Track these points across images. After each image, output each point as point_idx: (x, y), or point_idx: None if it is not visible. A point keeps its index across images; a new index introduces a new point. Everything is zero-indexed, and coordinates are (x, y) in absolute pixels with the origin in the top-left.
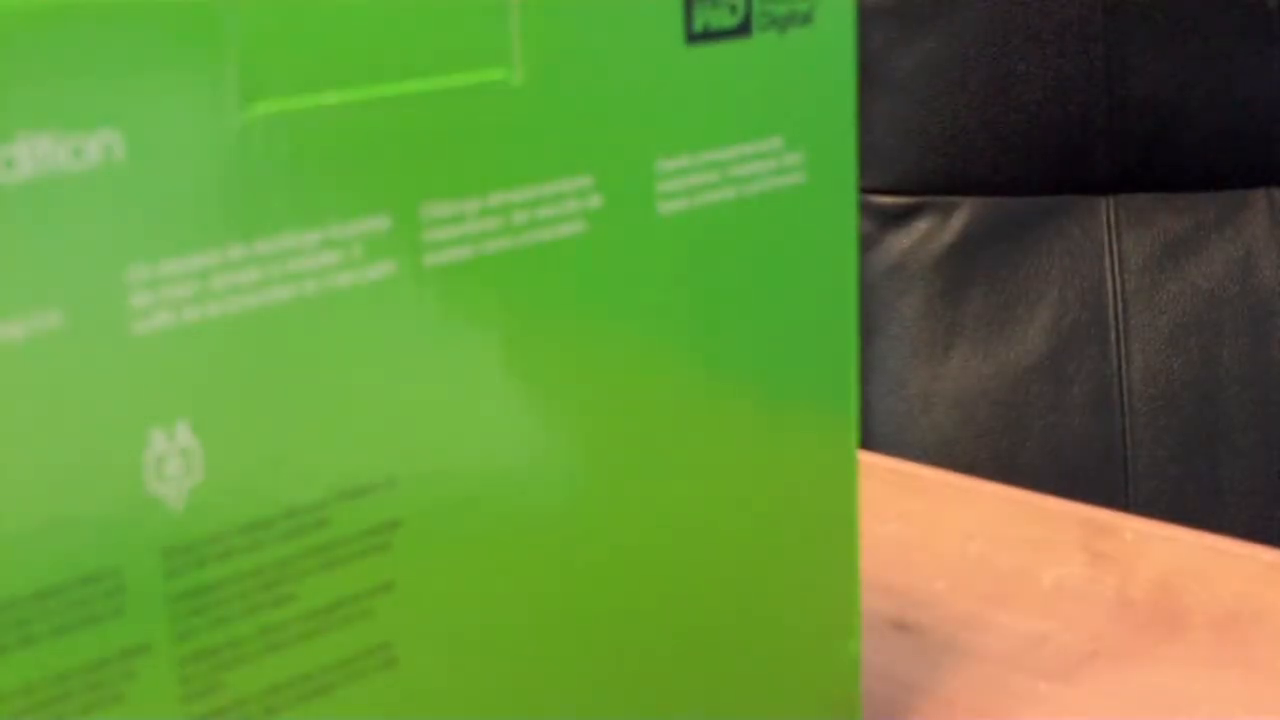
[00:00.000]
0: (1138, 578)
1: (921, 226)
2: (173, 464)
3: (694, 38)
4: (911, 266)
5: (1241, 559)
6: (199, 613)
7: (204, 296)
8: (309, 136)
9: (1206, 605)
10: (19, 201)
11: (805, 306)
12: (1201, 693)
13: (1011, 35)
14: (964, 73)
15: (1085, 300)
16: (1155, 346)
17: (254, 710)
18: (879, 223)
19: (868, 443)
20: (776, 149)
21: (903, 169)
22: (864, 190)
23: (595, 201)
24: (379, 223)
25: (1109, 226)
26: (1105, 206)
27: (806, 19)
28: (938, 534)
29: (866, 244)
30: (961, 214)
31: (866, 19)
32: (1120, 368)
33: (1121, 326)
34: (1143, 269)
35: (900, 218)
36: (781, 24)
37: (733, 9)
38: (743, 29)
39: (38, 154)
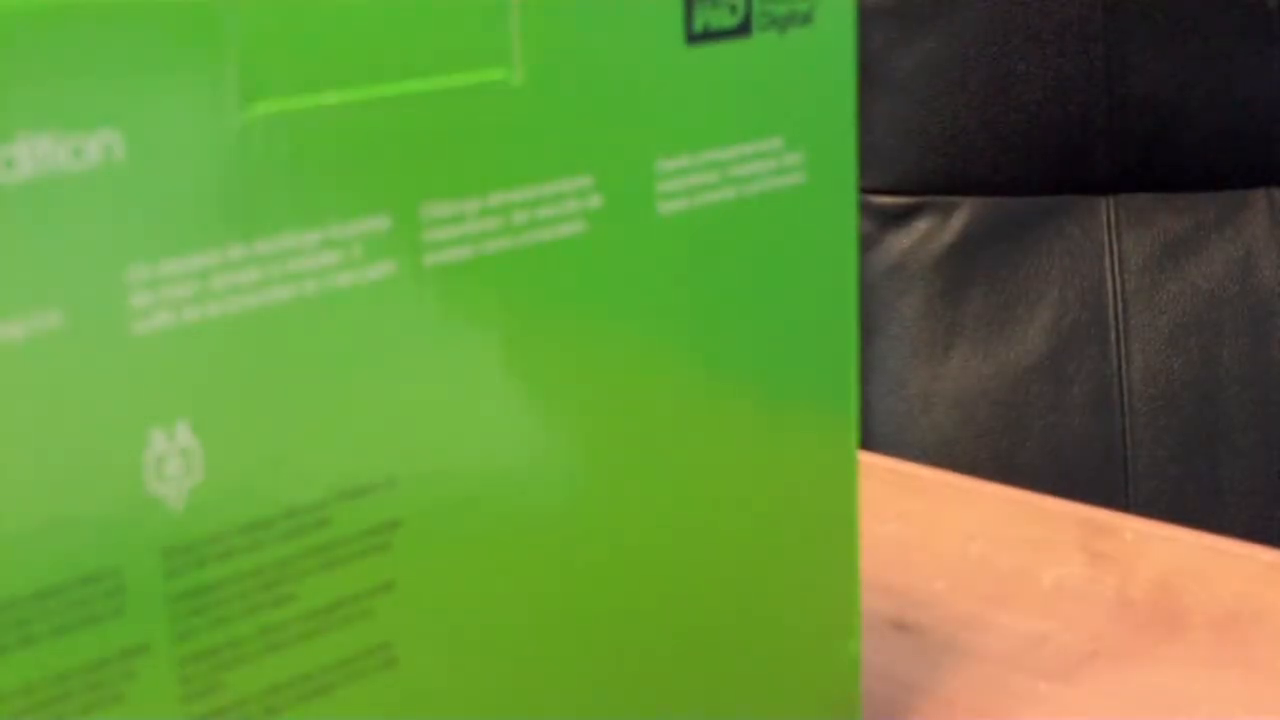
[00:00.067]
0: (1138, 578)
1: (921, 226)
2: (173, 464)
3: (694, 38)
4: (911, 266)
5: (1241, 559)
6: (199, 613)
7: (204, 296)
8: (309, 136)
9: (1206, 605)
10: (19, 201)
11: (805, 306)
12: (1201, 693)
13: (1011, 35)
14: (964, 73)
15: (1085, 300)
16: (1155, 346)
17: (254, 710)
18: (879, 223)
19: (868, 443)
20: (776, 149)
21: (903, 169)
22: (864, 190)
23: (595, 201)
24: (379, 223)
25: (1109, 226)
26: (1105, 206)
27: (806, 19)
28: (938, 534)
29: (866, 244)
30: (961, 214)
31: (866, 19)
32: (1120, 368)
33: (1121, 326)
34: (1143, 269)
35: (900, 218)
36: (781, 24)
37: (733, 9)
38: (743, 29)
39: (38, 154)
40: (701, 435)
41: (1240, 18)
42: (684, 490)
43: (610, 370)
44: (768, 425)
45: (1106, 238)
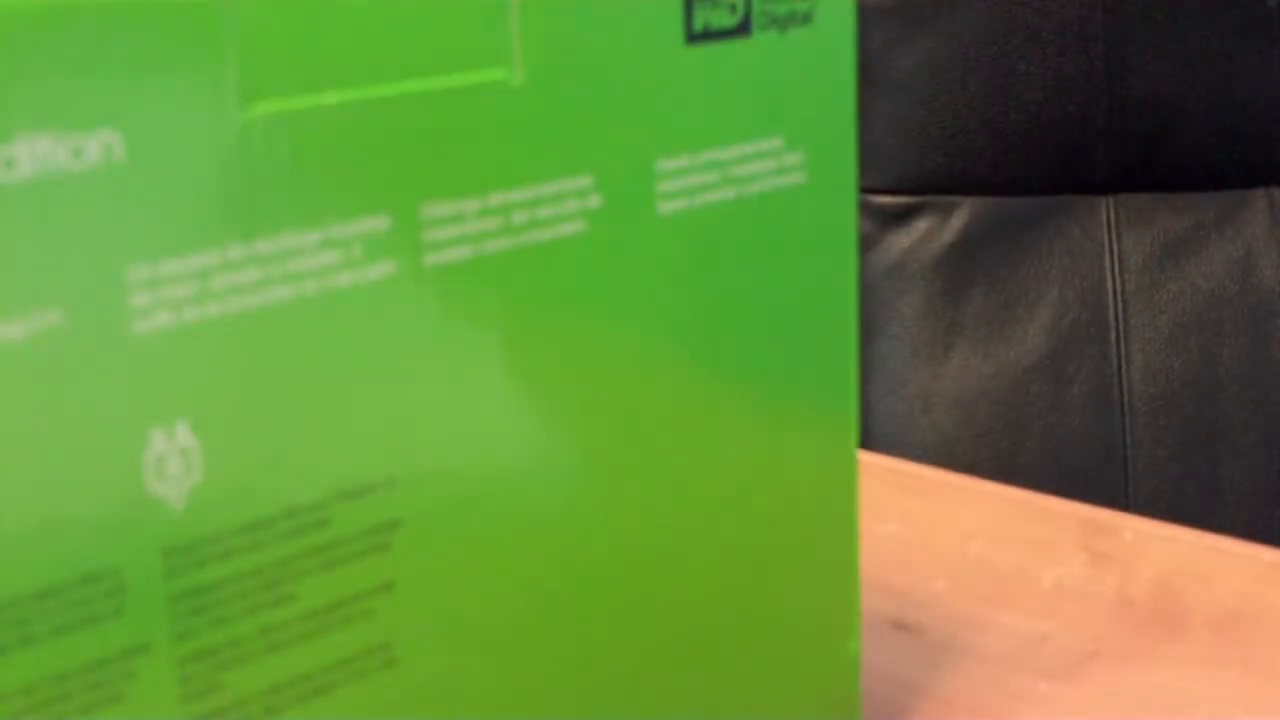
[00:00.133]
0: (1138, 578)
1: (921, 226)
2: (173, 464)
3: (694, 38)
4: (911, 266)
5: (1241, 559)
6: (199, 613)
7: (204, 296)
8: (309, 136)
9: (1206, 605)
10: (19, 201)
11: (805, 306)
12: (1201, 693)
13: (1011, 35)
14: (964, 73)
15: (1085, 300)
16: (1155, 346)
17: (254, 710)
18: (879, 223)
19: (868, 443)
20: (776, 149)
21: (903, 169)
22: (864, 190)
23: (595, 201)
24: (379, 223)
25: (1109, 226)
26: (1105, 206)
27: (806, 19)
28: (938, 534)
29: (866, 244)
30: (961, 214)
31: (866, 19)
32: (1120, 368)
33: (1121, 326)
34: (1143, 269)
35: (900, 218)
36: (781, 24)
37: (733, 9)
38: (743, 29)
39: (38, 154)
40: (701, 435)
41: (1240, 18)
42: (684, 490)
43: (610, 370)
44: (768, 425)
45: (1106, 238)
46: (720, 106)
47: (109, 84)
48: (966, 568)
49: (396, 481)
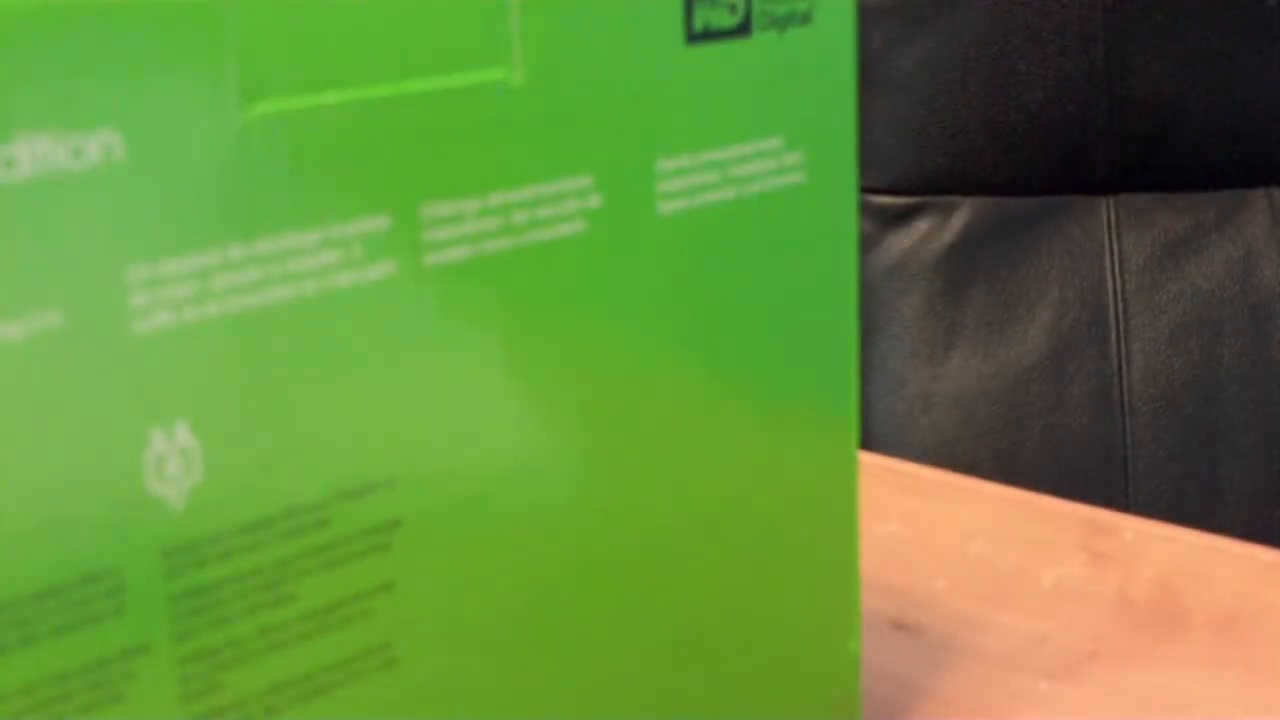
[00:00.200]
0: (1138, 578)
1: (921, 226)
2: (173, 464)
3: (694, 38)
4: (911, 266)
5: (1241, 559)
6: (199, 613)
7: (204, 296)
8: (309, 136)
9: (1206, 605)
10: (19, 201)
11: (805, 306)
12: (1201, 693)
13: (1011, 35)
14: (964, 73)
15: (1085, 300)
16: (1155, 346)
17: (254, 710)
18: (879, 223)
19: (868, 443)
20: (776, 149)
21: (903, 169)
22: (864, 190)
23: (595, 201)
24: (379, 223)
25: (1109, 226)
26: (1105, 206)
27: (806, 19)
28: (938, 534)
29: (866, 244)
30: (961, 214)
31: (866, 19)
32: (1120, 368)
33: (1121, 326)
34: (1143, 269)
35: (900, 218)
36: (781, 24)
37: (733, 9)
38: (743, 29)
39: (38, 154)
40: (701, 435)
41: (1240, 18)
42: (684, 490)
43: (610, 370)
44: (768, 425)
45: (1106, 238)
46: (720, 106)
47: (109, 84)
48: (966, 568)
49: (396, 481)
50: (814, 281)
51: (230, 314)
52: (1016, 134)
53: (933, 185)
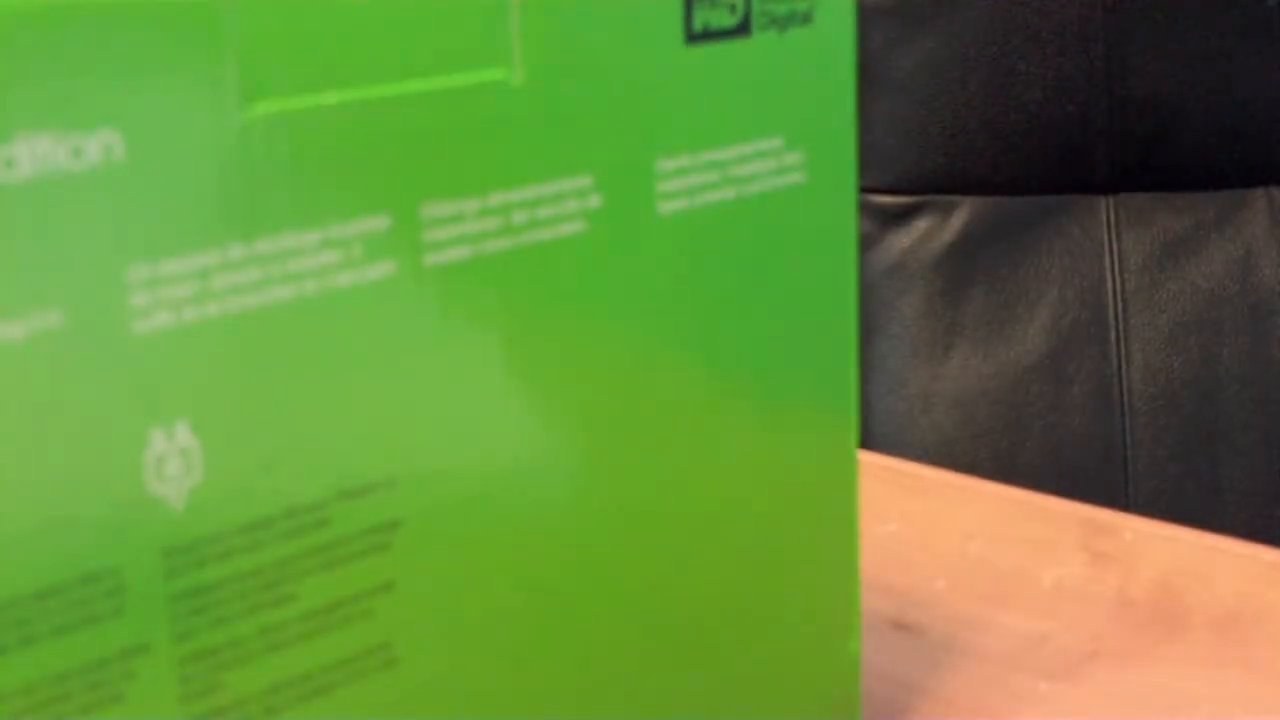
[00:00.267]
0: (1138, 578)
1: (921, 226)
2: (173, 464)
3: (694, 38)
4: (911, 266)
5: (1241, 559)
6: (199, 613)
7: (204, 296)
8: (309, 136)
9: (1206, 605)
10: (19, 201)
11: (805, 306)
12: (1201, 693)
13: (1011, 35)
14: (964, 73)
15: (1085, 300)
16: (1155, 346)
17: (254, 710)
18: (879, 223)
19: (868, 443)
20: (776, 149)
21: (903, 169)
22: (864, 190)
23: (595, 201)
24: (379, 223)
25: (1109, 226)
26: (1105, 206)
27: (806, 19)
28: (938, 534)
29: (866, 244)
30: (961, 214)
31: (866, 19)
32: (1120, 367)
33: (1121, 326)
34: (1143, 268)
35: (900, 218)
36: (781, 24)
37: (733, 9)
38: (742, 29)
39: (38, 154)
40: (701, 435)
41: (1240, 18)
42: (683, 490)
43: (610, 370)
44: (768, 425)
45: (1106, 237)
46: (720, 106)
47: (109, 84)
48: (966, 568)
49: (396, 481)
50: (814, 281)
51: (230, 314)
52: (1016, 134)
53: (933, 185)
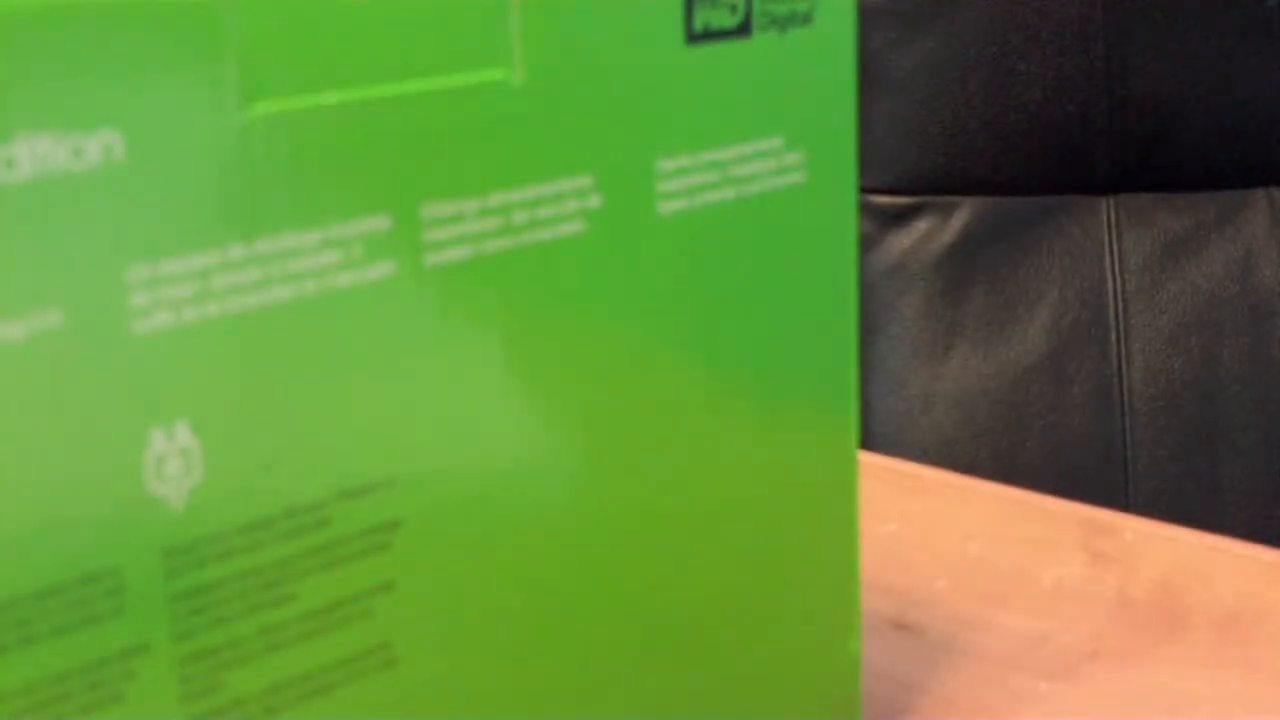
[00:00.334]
0: (1138, 578)
1: (921, 226)
2: (173, 464)
3: (694, 38)
4: (911, 266)
5: (1242, 559)
6: (199, 613)
7: (204, 296)
8: (309, 136)
9: (1207, 605)
10: (19, 201)
11: (805, 306)
12: (1201, 693)
13: (1011, 35)
14: (964, 73)
15: (1085, 300)
16: (1155, 346)
17: (254, 710)
18: (879, 223)
19: (868, 443)
20: (776, 149)
21: (903, 169)
22: (864, 190)
23: (595, 201)
24: (379, 223)
25: (1109, 226)
26: (1105, 206)
27: (806, 19)
28: (938, 534)
29: (866, 244)
30: (961, 214)
31: (866, 19)
32: (1120, 368)
33: (1121, 326)
34: (1143, 269)
35: (900, 218)
36: (781, 24)
37: (733, 9)
38: (743, 29)
39: (38, 154)
40: (701, 435)
41: (1240, 18)
42: (683, 490)
43: (610, 370)
44: (768, 425)
45: (1106, 237)
46: (720, 106)
47: (109, 84)
48: (966, 568)
49: (396, 481)
50: (814, 281)
51: (230, 314)
52: (1016, 134)
53: (933, 185)
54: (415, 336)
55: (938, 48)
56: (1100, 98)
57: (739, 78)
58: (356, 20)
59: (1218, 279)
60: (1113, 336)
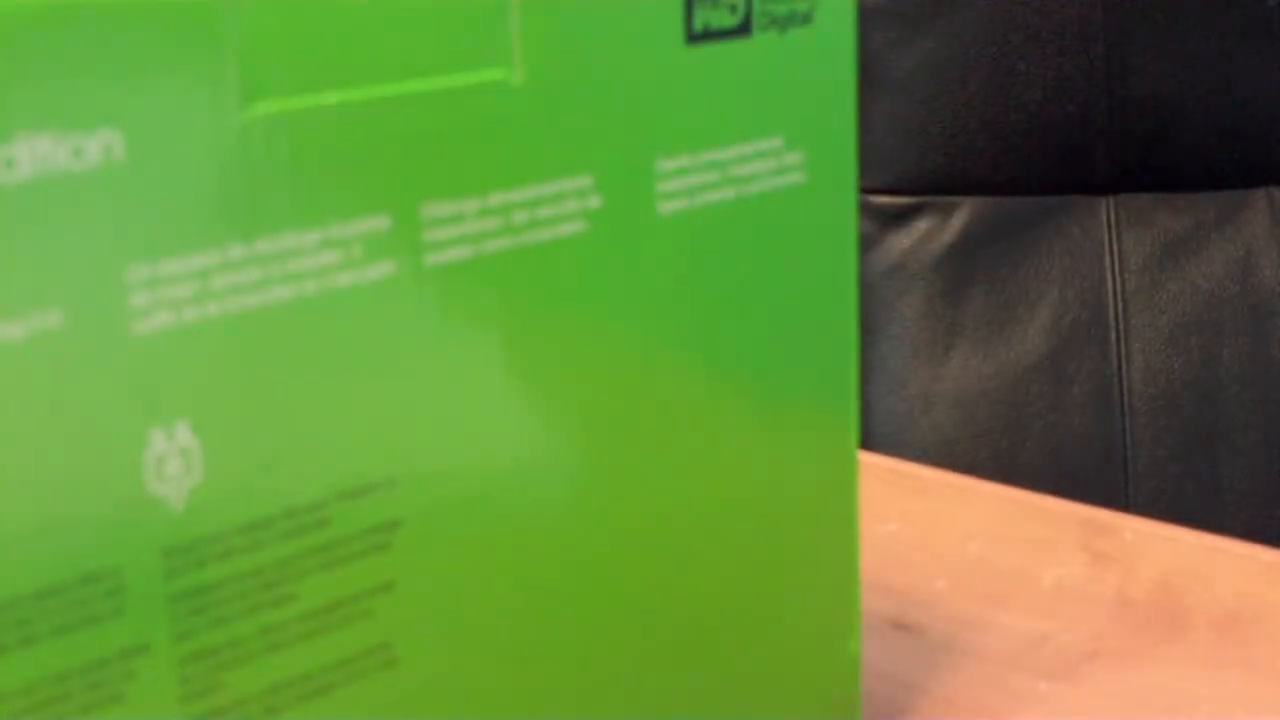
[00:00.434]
0: (1138, 578)
1: (921, 226)
2: (173, 464)
3: (694, 38)
4: (911, 266)
5: (1242, 559)
6: (199, 613)
7: (204, 296)
8: (309, 136)
9: (1207, 605)
10: (19, 201)
11: (805, 306)
12: (1201, 693)
13: (1011, 35)
14: (964, 73)
15: (1085, 300)
16: (1155, 346)
17: (254, 710)
18: (879, 223)
19: (868, 443)
20: (776, 149)
21: (903, 169)
22: (864, 190)
23: (595, 201)
24: (379, 223)
25: (1109, 226)
26: (1105, 206)
27: (806, 19)
28: (938, 534)
29: (866, 244)
30: (961, 214)
31: (866, 19)
32: (1120, 368)
33: (1121, 326)
34: (1143, 269)
35: (900, 218)
36: (781, 24)
37: (733, 9)
38: (743, 29)
39: (38, 154)
40: (701, 435)
41: (1240, 18)
42: (684, 490)
43: (610, 370)
44: (768, 425)
45: (1106, 237)
46: (720, 106)
47: (109, 84)
48: (966, 568)
49: (396, 481)
50: (814, 281)
51: (230, 314)
52: (1016, 134)
53: (933, 185)
54: (415, 337)
55: (938, 48)
56: (1100, 98)
57: (739, 78)
58: (356, 20)
59: (1218, 279)
60: (1113, 336)
